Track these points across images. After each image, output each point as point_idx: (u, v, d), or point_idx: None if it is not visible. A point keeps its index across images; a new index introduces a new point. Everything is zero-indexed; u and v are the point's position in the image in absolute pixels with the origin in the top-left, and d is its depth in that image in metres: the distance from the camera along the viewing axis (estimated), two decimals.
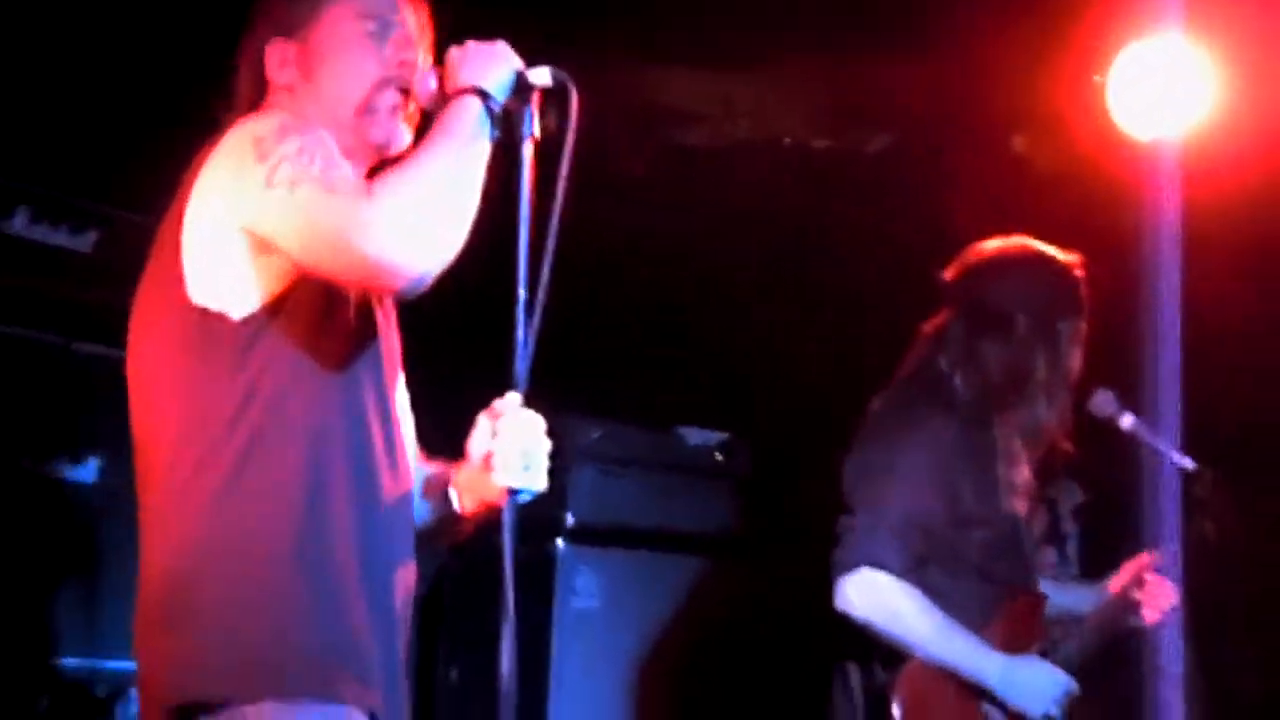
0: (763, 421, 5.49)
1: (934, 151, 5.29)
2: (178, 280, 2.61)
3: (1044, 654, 3.86)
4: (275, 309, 2.61)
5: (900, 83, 5.00)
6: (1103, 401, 4.04)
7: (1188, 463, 3.97)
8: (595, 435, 5.08)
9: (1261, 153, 4.20)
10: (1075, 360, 3.92)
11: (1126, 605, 4.01)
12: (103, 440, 4.47)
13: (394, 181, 2.56)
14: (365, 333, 2.71)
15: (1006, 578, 3.87)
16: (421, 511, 2.88)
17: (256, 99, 2.82)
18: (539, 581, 4.92)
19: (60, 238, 4.53)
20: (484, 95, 2.64)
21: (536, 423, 2.67)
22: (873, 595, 3.73)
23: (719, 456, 5.33)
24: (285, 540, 2.59)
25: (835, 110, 5.43)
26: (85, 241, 4.57)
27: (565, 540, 4.97)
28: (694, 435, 5.33)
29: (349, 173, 2.59)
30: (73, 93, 4.58)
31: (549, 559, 4.96)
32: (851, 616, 3.75)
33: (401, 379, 2.90)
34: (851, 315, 5.40)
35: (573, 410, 5.05)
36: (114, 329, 4.53)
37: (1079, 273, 3.93)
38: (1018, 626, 3.85)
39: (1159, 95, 4.54)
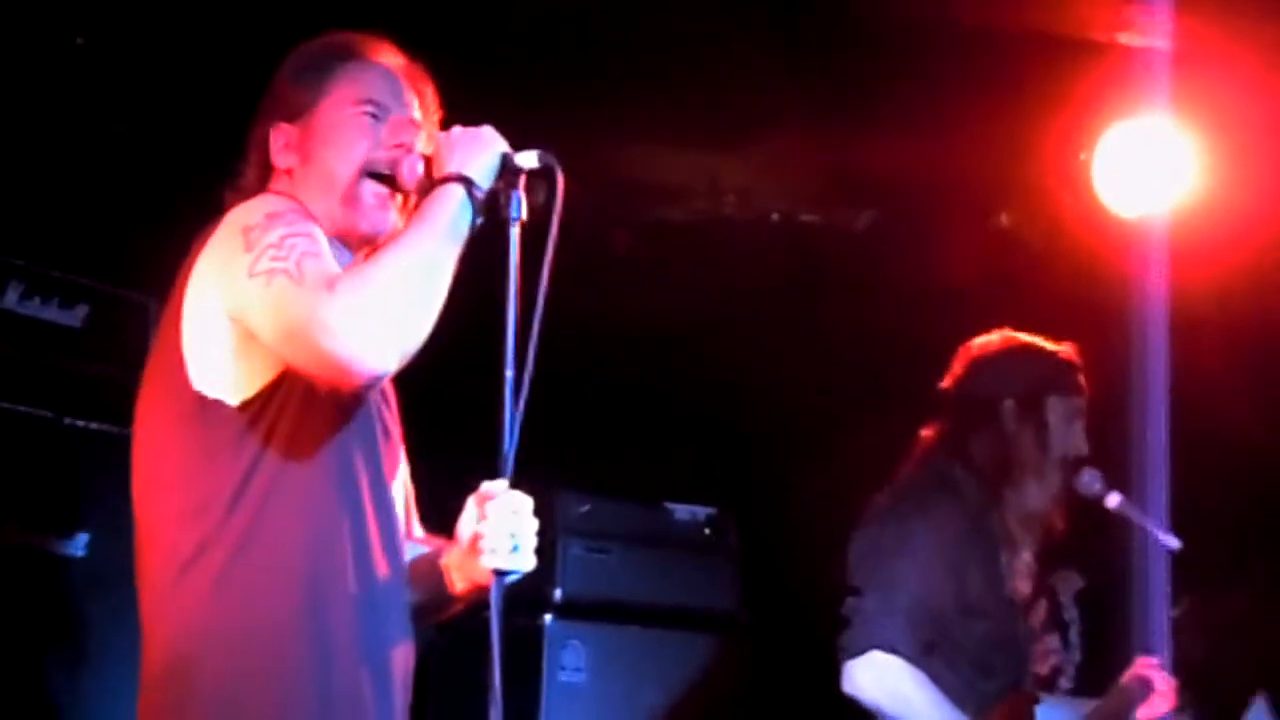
0: (750, 496, 5.50)
1: (921, 227, 5.32)
2: (179, 366, 2.65)
3: None
4: (270, 394, 2.63)
5: (887, 159, 5.04)
6: (1089, 480, 4.05)
7: (1173, 541, 3.97)
8: (583, 510, 5.08)
9: (1246, 230, 4.23)
10: (1075, 438, 3.92)
11: (1131, 700, 4.00)
12: (92, 515, 4.47)
13: (357, 276, 2.57)
14: (359, 414, 2.72)
15: (1003, 673, 3.86)
16: (414, 590, 2.88)
17: (261, 182, 2.85)
18: (527, 656, 4.91)
19: (51, 313, 4.54)
20: (468, 182, 2.66)
21: (524, 504, 2.67)
22: (883, 680, 3.69)
23: (707, 531, 5.34)
24: (287, 617, 2.61)
25: (822, 186, 5.47)
26: (76, 316, 4.59)
27: (553, 615, 4.97)
28: (681, 510, 5.33)
29: (325, 264, 2.60)
30: (65, 169, 4.62)
31: (537, 633, 4.95)
32: (860, 701, 3.72)
33: (402, 455, 2.92)
34: (838, 390, 5.41)
35: (561, 486, 5.06)
36: (104, 403, 4.60)
37: (1069, 355, 3.95)
38: None
39: (1144, 173, 4.58)
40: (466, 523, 2.74)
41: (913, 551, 3.75)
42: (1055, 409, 3.90)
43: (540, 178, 2.70)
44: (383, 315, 2.52)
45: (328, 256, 2.62)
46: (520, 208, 2.67)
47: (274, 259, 2.56)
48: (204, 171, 2.95)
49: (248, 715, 2.57)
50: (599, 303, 4.95)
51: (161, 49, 4.48)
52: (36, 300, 4.50)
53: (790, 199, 5.51)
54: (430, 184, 2.71)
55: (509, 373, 2.58)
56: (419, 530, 2.98)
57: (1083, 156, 4.76)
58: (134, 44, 4.49)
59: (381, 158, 2.80)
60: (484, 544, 2.62)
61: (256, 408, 2.63)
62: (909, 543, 3.77)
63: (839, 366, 5.41)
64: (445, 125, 2.86)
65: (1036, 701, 3.95)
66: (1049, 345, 3.96)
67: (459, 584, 2.84)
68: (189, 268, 2.68)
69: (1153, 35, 4.30)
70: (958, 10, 4.51)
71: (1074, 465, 3.94)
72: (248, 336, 2.61)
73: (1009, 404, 3.89)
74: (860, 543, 3.86)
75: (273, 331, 2.57)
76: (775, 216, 5.51)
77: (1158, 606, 4.01)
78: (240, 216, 2.66)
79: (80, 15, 4.41)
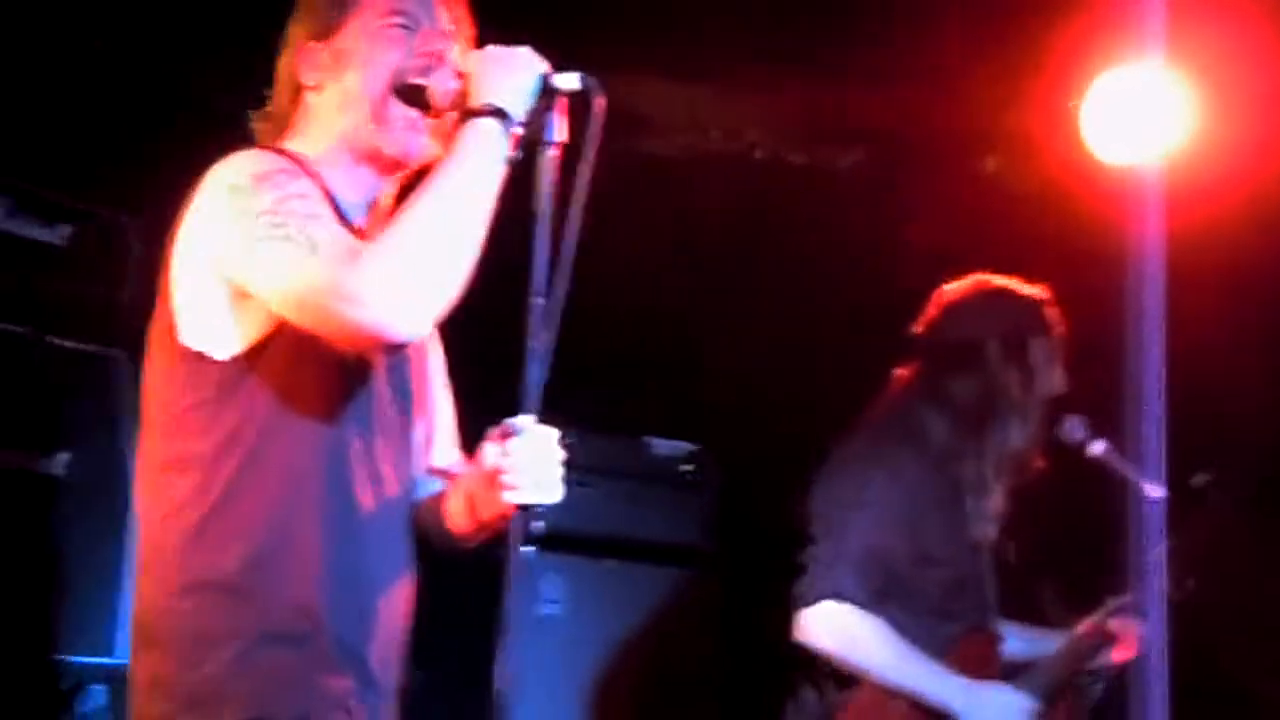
0: (731, 434, 5.50)
1: (907, 170, 5.31)
2: (169, 318, 2.65)
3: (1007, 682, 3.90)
4: (259, 351, 2.62)
5: (875, 100, 5.03)
6: (1072, 428, 4.08)
7: (1157, 490, 4.00)
8: (565, 443, 5.07)
9: (1241, 175, 4.24)
10: (1055, 377, 3.95)
11: (1096, 643, 4.04)
12: (73, 435, 4.45)
13: (386, 243, 2.52)
14: (354, 370, 2.70)
15: (963, 616, 3.89)
16: (431, 527, 2.89)
17: (290, 104, 2.81)
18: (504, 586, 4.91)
19: (34, 231, 4.50)
20: (503, 115, 2.59)
21: (549, 437, 2.65)
22: (834, 627, 3.74)
23: (688, 466, 5.34)
24: (244, 578, 2.61)
25: (808, 125, 5.45)
26: (59, 235, 4.55)
27: (534, 547, 4.96)
28: (662, 446, 5.33)
29: (333, 227, 2.57)
30: (44, 87, 4.55)
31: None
32: (812, 648, 3.77)
33: (433, 381, 2.93)
34: (821, 331, 5.41)
35: (544, 415, 5.04)
36: (86, 322, 4.56)
37: (1044, 296, 3.97)
38: (973, 663, 3.87)
39: (1135, 122, 4.58)
40: (489, 457, 2.70)
41: (867, 502, 3.79)
42: (1037, 349, 3.93)
43: (579, 100, 2.63)
44: (414, 282, 2.49)
45: (329, 217, 2.59)
46: (556, 132, 2.61)
47: (274, 225, 2.53)
48: (185, 91, 2.91)
49: (201, 667, 2.61)
50: (582, 235, 4.92)
51: None
52: (20, 218, 4.46)
53: (776, 137, 5.48)
54: (465, 108, 2.64)
55: (538, 300, 2.55)
56: (454, 455, 2.98)
57: (1072, 104, 4.75)
58: None
59: (414, 66, 2.73)
60: (507, 478, 2.59)
61: (243, 363, 2.62)
62: (864, 493, 3.80)
63: (822, 304, 5.41)
64: (478, 43, 2.81)
65: (999, 641, 3.99)
66: (1024, 287, 3.99)
67: (484, 513, 2.82)
68: (178, 222, 2.65)
69: None
70: None
71: (1053, 406, 3.97)
72: (239, 295, 2.59)
73: (993, 345, 3.91)
74: (819, 492, 3.89)
75: (283, 299, 2.54)
76: (759, 153, 5.48)
77: (1138, 551, 4.03)
78: (224, 177, 2.62)
79: None
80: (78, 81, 4.60)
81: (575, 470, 4.93)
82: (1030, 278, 4.02)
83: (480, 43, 2.76)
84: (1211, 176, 4.31)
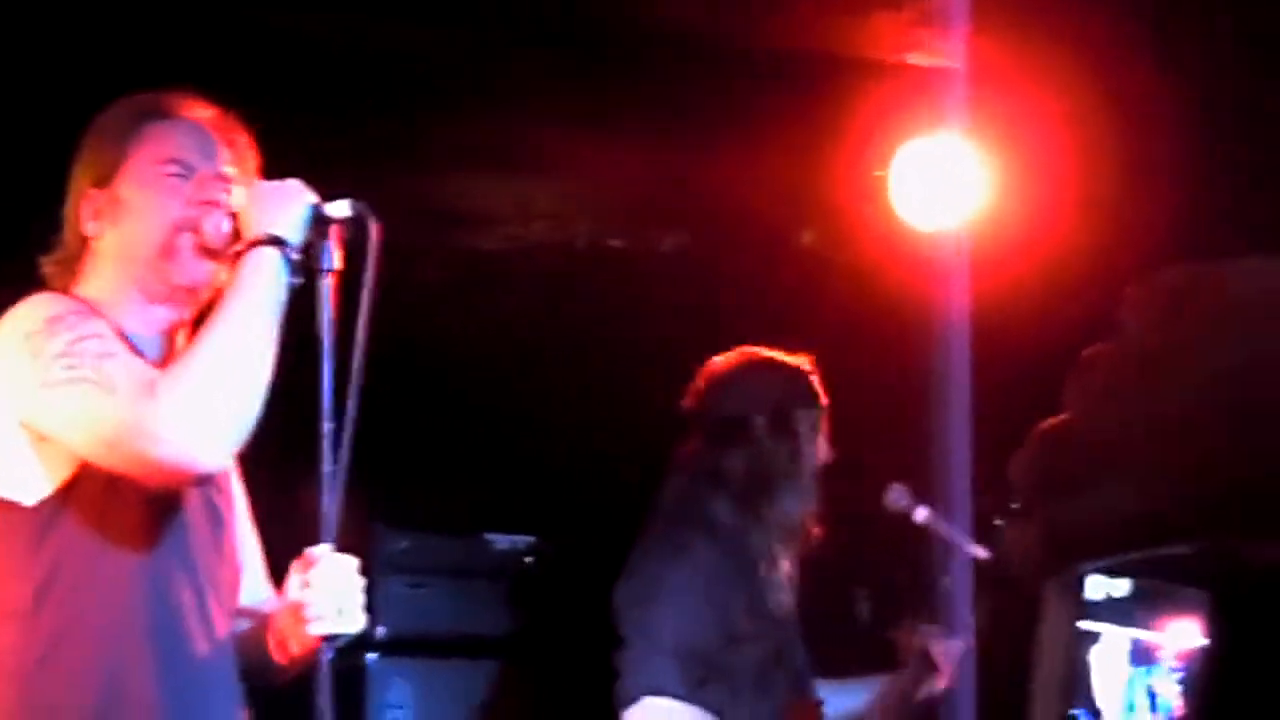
0: (569, 524, 5.50)
1: (727, 248, 5.37)
2: None
3: None
4: (67, 492, 2.59)
5: (692, 181, 5.09)
6: (896, 495, 4.13)
7: (981, 552, 4.06)
8: (402, 546, 5.06)
9: (1035, 241, 4.35)
10: (820, 448, 3.97)
11: (919, 675, 4.09)
12: None
13: (178, 374, 2.53)
14: (166, 502, 2.68)
15: (783, 686, 3.90)
16: (248, 662, 2.85)
17: (78, 248, 2.80)
18: (351, 695, 4.87)
19: None
20: (280, 243, 2.62)
21: (348, 566, 2.65)
22: None
23: (527, 560, 5.34)
24: None
25: (629, 211, 5.50)
26: None
27: (377, 653, 4.94)
28: (501, 540, 5.32)
29: (128, 364, 2.56)
30: None
31: (360, 672, 4.91)
32: None
33: (238, 527, 2.90)
34: (653, 415, 5.43)
35: (378, 521, 5.02)
36: None
37: (807, 367, 4.00)
38: None
39: (938, 189, 4.69)
40: (292, 590, 2.70)
41: (668, 596, 3.77)
42: (803, 421, 3.97)
43: (354, 225, 2.66)
44: (211, 411, 2.49)
45: (125, 353, 2.57)
46: (332, 259, 2.63)
47: (69, 367, 2.51)
48: (7, 230, 2.90)
49: None
50: (410, 334, 4.93)
51: None
52: None
53: (599, 223, 5.53)
54: (237, 240, 2.65)
55: (327, 425, 2.56)
56: (265, 592, 2.94)
57: (878, 173, 4.85)
58: None
59: (189, 216, 2.74)
60: (308, 612, 2.60)
61: (53, 507, 2.58)
62: (664, 587, 3.78)
63: (652, 389, 5.43)
64: (264, 172, 2.83)
65: (820, 705, 4.01)
66: (787, 358, 4.01)
67: (294, 647, 2.79)
68: None
69: (943, 55, 4.40)
70: (751, 33, 4.58)
71: (822, 474, 4.02)
72: (39, 439, 2.56)
73: (759, 419, 3.95)
74: (622, 593, 3.87)
75: (87, 441, 2.52)
76: (583, 242, 5.52)
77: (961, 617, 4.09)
78: (18, 323, 2.61)
79: None
80: None
81: (415, 573, 5.03)
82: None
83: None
84: (1009, 240, 4.42)
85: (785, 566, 3.91)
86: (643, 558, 3.89)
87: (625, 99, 4.76)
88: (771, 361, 4.01)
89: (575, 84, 4.68)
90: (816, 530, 3.96)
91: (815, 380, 4.00)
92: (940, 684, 4.10)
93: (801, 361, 4.01)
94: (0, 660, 2.60)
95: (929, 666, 4.08)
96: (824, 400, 4.00)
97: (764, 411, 3.93)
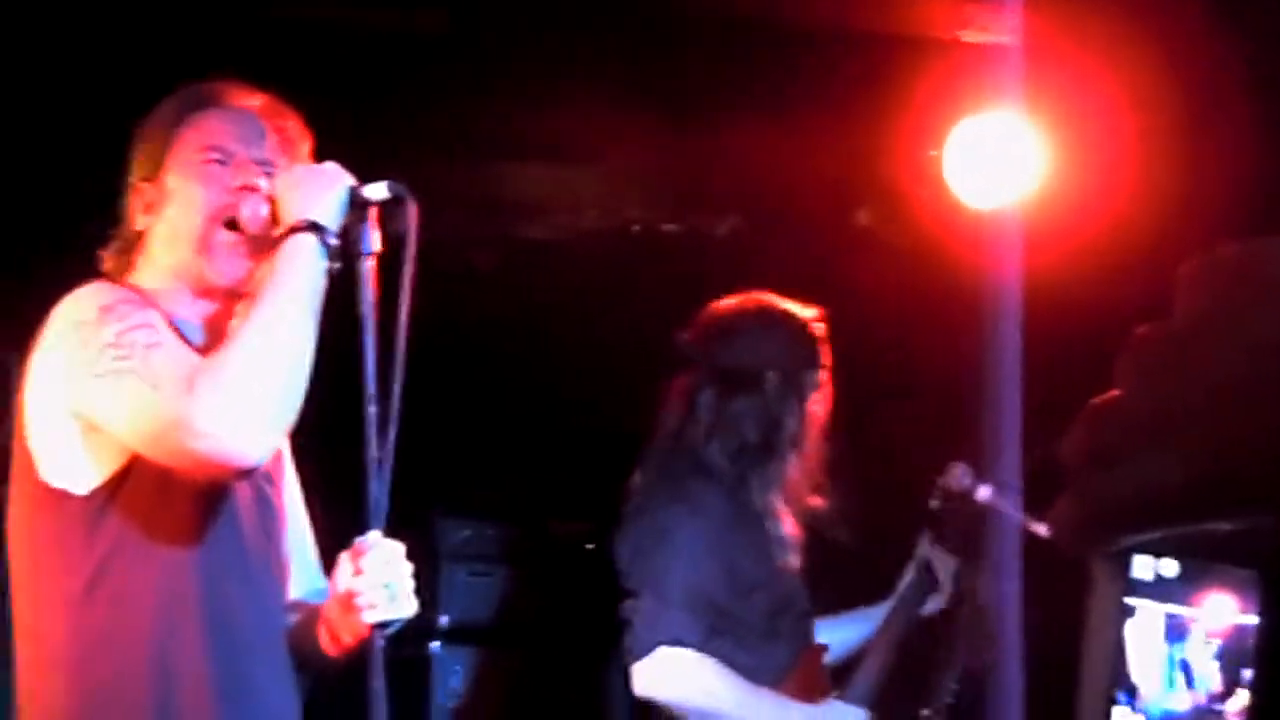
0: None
1: (782, 230, 5.35)
2: (27, 457, 2.63)
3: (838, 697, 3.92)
4: (119, 482, 2.61)
5: (744, 164, 5.06)
6: (960, 474, 4.11)
7: (1042, 529, 4.03)
8: (464, 535, 5.07)
9: (1090, 219, 4.31)
10: (820, 411, 3.95)
11: (917, 594, 4.07)
12: None
13: (216, 368, 2.53)
14: (215, 491, 2.68)
15: (790, 637, 3.90)
16: (300, 653, 2.86)
17: (132, 242, 2.83)
18: (415, 683, 4.89)
19: None
20: (317, 228, 2.61)
21: (397, 552, 2.65)
22: (674, 674, 3.69)
23: (589, 546, 5.33)
24: (134, 712, 2.60)
25: (682, 195, 5.48)
26: None
27: (440, 642, 4.96)
28: (562, 528, 5.32)
29: (174, 355, 2.57)
30: None
31: (425, 661, 4.93)
32: (654, 699, 3.73)
33: (291, 514, 2.92)
34: None
35: (440, 510, 5.04)
36: None
37: (818, 326, 3.97)
38: (806, 682, 3.88)
39: (994, 167, 4.65)
40: (341, 579, 2.70)
41: (676, 544, 3.76)
42: (810, 381, 3.94)
43: (393, 207, 2.65)
44: (251, 405, 2.49)
45: (173, 344, 2.59)
46: (370, 242, 2.62)
47: (118, 358, 2.53)
48: (65, 225, 2.92)
49: None
50: (469, 325, 4.94)
51: (16, 102, 4.40)
52: None
53: (651, 209, 5.51)
54: (275, 225, 2.66)
55: (371, 409, 2.55)
56: (320, 582, 2.94)
57: (933, 152, 4.81)
58: None
59: (227, 203, 2.75)
60: (359, 600, 2.60)
61: (104, 497, 2.59)
62: (672, 538, 3.77)
63: None
64: (317, 154, 2.82)
65: (824, 652, 4.00)
66: (800, 313, 3.98)
67: (346, 638, 2.79)
68: (28, 359, 2.65)
69: (997, 32, 4.36)
70: (802, 13, 4.55)
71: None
72: (92, 429, 2.58)
73: (772, 375, 3.91)
74: (624, 544, 3.87)
75: (132, 433, 2.54)
76: (636, 228, 5.51)
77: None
78: (70, 312, 2.63)
79: None
80: None
81: (476, 561, 5.03)
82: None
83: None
84: (1064, 219, 4.37)
85: (791, 525, 3.89)
86: (642, 508, 3.85)
87: (675, 83, 4.74)
88: (784, 315, 3.97)
89: (625, 69, 4.66)
90: (818, 496, 3.93)
91: (821, 340, 3.96)
92: (940, 600, 4.08)
93: (811, 315, 3.96)
94: (51, 649, 2.63)
95: (929, 579, 4.06)
96: (829, 362, 3.95)
97: (776, 368, 3.90)
